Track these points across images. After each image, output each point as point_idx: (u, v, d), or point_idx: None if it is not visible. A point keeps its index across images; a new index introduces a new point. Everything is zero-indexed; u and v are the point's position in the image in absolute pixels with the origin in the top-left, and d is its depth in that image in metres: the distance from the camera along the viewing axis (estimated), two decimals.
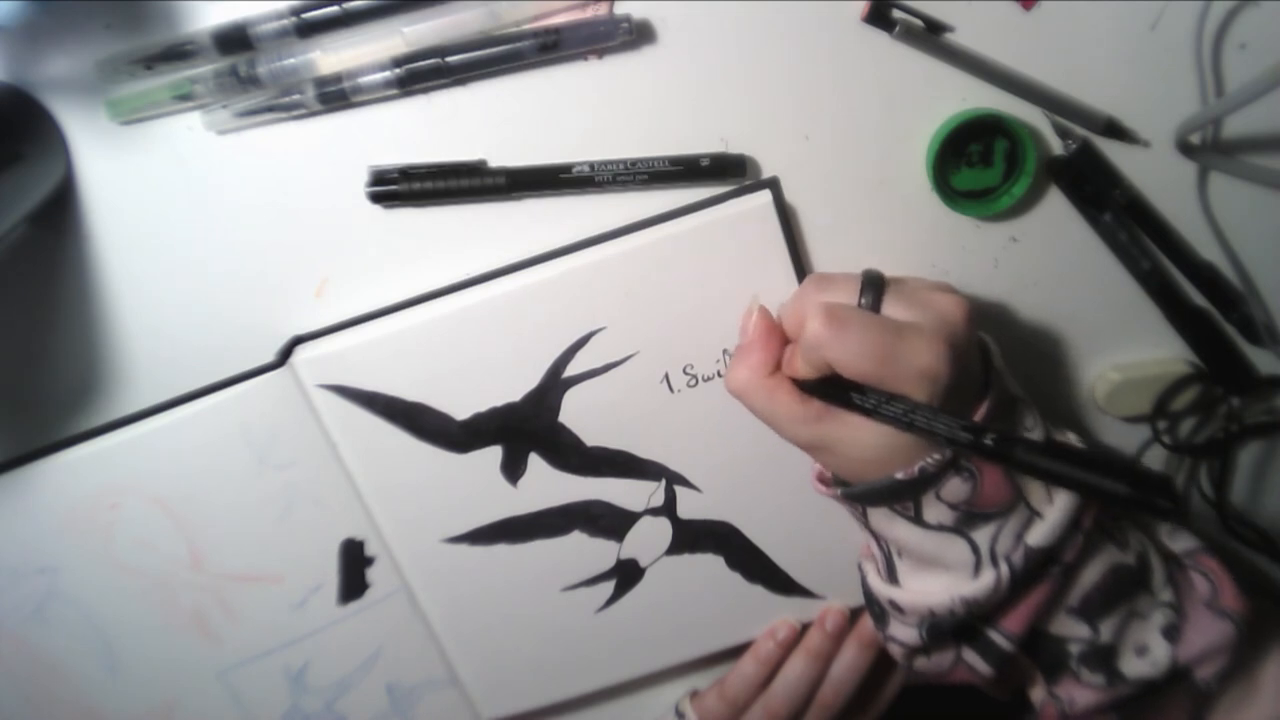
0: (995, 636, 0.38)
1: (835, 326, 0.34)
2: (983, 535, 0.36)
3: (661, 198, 0.42)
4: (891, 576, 0.40)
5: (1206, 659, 0.38)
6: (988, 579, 0.36)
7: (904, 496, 0.36)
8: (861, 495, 0.37)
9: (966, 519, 0.36)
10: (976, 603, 0.36)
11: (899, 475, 0.35)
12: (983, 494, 0.35)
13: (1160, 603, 0.39)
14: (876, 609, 0.41)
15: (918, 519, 0.36)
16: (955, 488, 0.35)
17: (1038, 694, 0.40)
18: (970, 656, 0.39)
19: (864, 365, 0.34)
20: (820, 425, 0.36)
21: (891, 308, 0.36)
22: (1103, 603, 0.38)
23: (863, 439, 0.35)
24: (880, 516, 0.37)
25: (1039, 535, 0.36)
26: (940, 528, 0.36)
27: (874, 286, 0.36)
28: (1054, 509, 0.36)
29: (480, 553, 0.46)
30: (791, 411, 0.36)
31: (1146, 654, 0.38)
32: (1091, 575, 0.38)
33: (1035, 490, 0.37)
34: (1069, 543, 0.36)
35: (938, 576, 0.37)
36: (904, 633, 0.39)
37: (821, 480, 0.40)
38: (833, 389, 0.35)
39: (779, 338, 0.38)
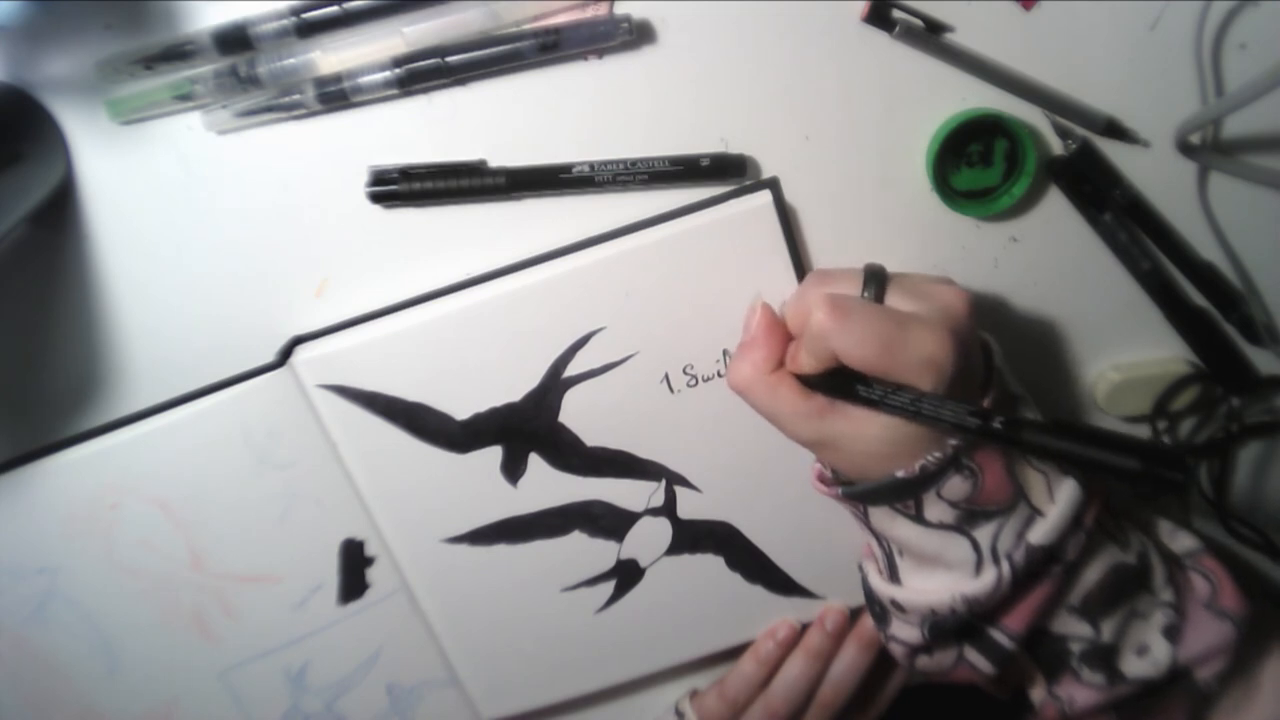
0: (997, 635, 0.38)
1: (840, 316, 0.34)
2: (984, 533, 0.36)
3: (661, 198, 0.42)
4: (893, 575, 0.40)
5: (1206, 660, 0.38)
6: (989, 577, 0.36)
7: (905, 495, 0.36)
8: (862, 494, 0.37)
9: (968, 517, 0.36)
10: (978, 601, 0.36)
11: (900, 474, 0.35)
12: (984, 492, 0.35)
13: (1161, 603, 0.38)
14: (878, 608, 0.41)
15: (919, 517, 0.36)
16: (956, 486, 0.35)
17: (1038, 693, 0.40)
18: (972, 655, 0.39)
19: (868, 354, 0.34)
20: (824, 421, 0.36)
21: (894, 300, 0.36)
22: (1104, 602, 0.38)
23: (867, 433, 0.35)
24: (881, 515, 0.37)
25: (1040, 533, 0.36)
26: (941, 526, 0.36)
27: (877, 279, 0.36)
28: (1056, 507, 0.36)
29: (480, 553, 0.46)
30: (795, 407, 0.36)
31: (1147, 654, 0.38)
32: (1093, 574, 0.38)
33: (1037, 488, 0.37)
34: (1071, 541, 0.36)
35: (939, 575, 0.37)
36: (906, 632, 0.39)
37: (821, 480, 0.40)
38: (837, 382, 0.35)
39: (782, 334, 0.38)
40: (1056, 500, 0.36)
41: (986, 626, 0.38)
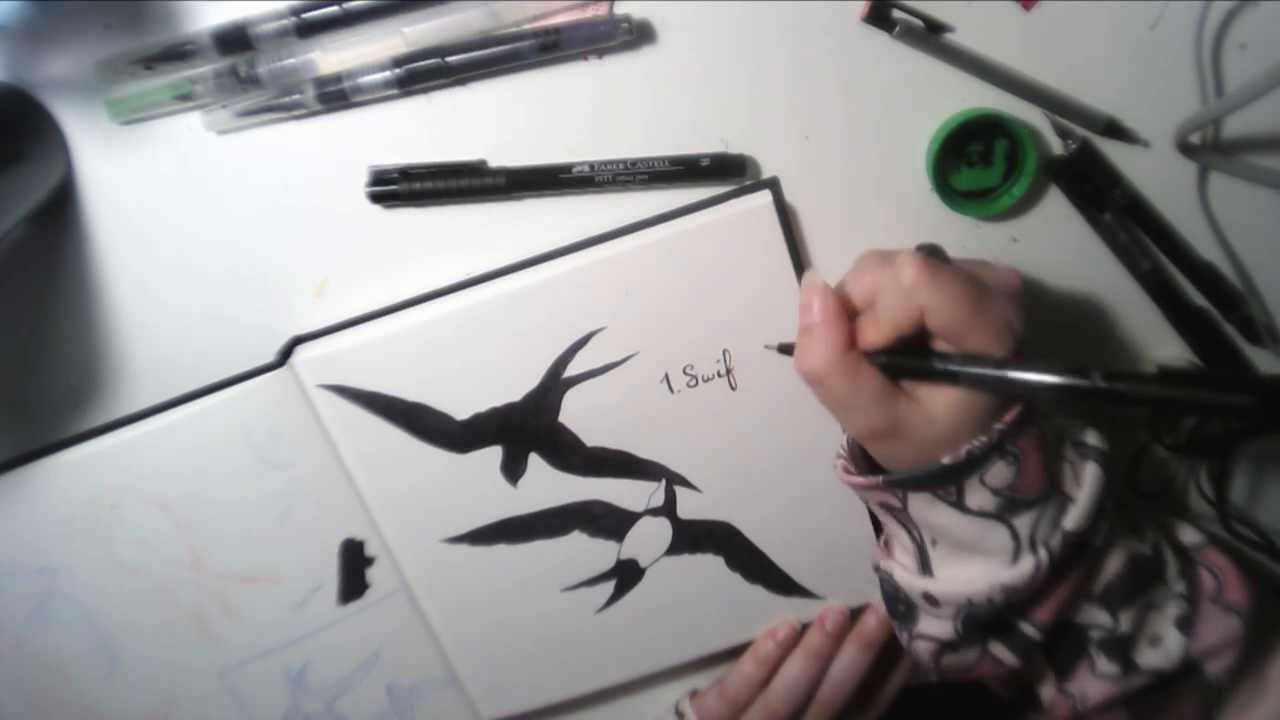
0: (1024, 626, 0.38)
1: (932, 272, 0.34)
2: (1023, 521, 0.36)
3: (661, 198, 0.42)
4: (924, 568, 0.39)
5: (1217, 653, 0.38)
6: (1027, 565, 0.35)
7: (948, 481, 0.35)
8: (906, 480, 0.36)
9: (1008, 505, 0.36)
10: (1015, 589, 0.36)
11: (945, 460, 0.34)
12: (1025, 479, 0.35)
13: (1174, 594, 0.39)
14: (902, 607, 0.40)
15: (960, 504, 0.36)
16: (1000, 472, 0.35)
17: (1048, 691, 0.40)
18: (997, 649, 0.39)
19: (958, 312, 0.34)
20: (899, 404, 0.35)
21: None
22: (1123, 592, 0.38)
23: (936, 414, 0.35)
24: (921, 503, 0.37)
25: (1073, 519, 0.36)
26: (982, 514, 0.36)
27: (939, 255, 0.37)
28: (1083, 491, 0.36)
29: (480, 553, 0.46)
30: (877, 386, 0.35)
31: (1160, 645, 0.38)
32: (1113, 564, 0.38)
33: (1066, 475, 0.37)
34: (1098, 527, 0.36)
35: (974, 564, 0.37)
36: (936, 627, 0.39)
37: (848, 471, 0.39)
38: (902, 360, 0.35)
39: (846, 315, 0.36)
40: (1084, 485, 0.36)
41: (1014, 618, 0.38)
